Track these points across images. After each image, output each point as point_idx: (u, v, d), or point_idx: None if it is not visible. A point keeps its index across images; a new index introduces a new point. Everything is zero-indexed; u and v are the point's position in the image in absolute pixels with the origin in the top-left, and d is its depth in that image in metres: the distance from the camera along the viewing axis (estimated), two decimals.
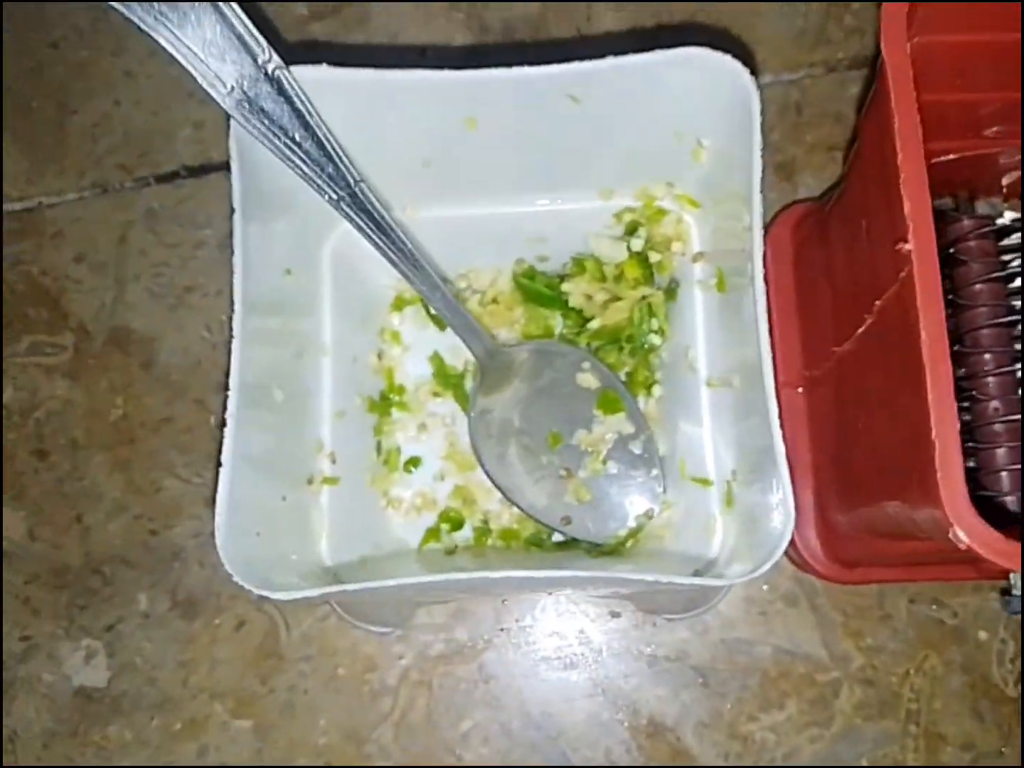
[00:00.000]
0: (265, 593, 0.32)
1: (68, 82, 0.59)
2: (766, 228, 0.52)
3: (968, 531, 0.28)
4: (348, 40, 0.58)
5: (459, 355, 0.52)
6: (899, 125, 0.31)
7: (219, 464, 0.33)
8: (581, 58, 0.37)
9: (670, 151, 0.43)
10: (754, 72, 0.35)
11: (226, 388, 0.34)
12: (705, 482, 0.44)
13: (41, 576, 0.53)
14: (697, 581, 0.34)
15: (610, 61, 0.36)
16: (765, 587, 0.51)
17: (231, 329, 0.34)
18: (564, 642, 0.51)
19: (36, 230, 0.57)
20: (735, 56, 0.35)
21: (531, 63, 0.38)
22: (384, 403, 0.51)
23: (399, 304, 0.52)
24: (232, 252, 0.35)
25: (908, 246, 0.29)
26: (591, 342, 0.50)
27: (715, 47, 0.36)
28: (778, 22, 0.57)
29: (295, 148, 0.36)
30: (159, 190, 0.57)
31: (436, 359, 0.51)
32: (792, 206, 0.52)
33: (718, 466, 0.44)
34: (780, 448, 0.34)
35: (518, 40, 0.58)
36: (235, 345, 0.34)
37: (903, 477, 0.34)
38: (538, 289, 0.51)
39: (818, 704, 0.50)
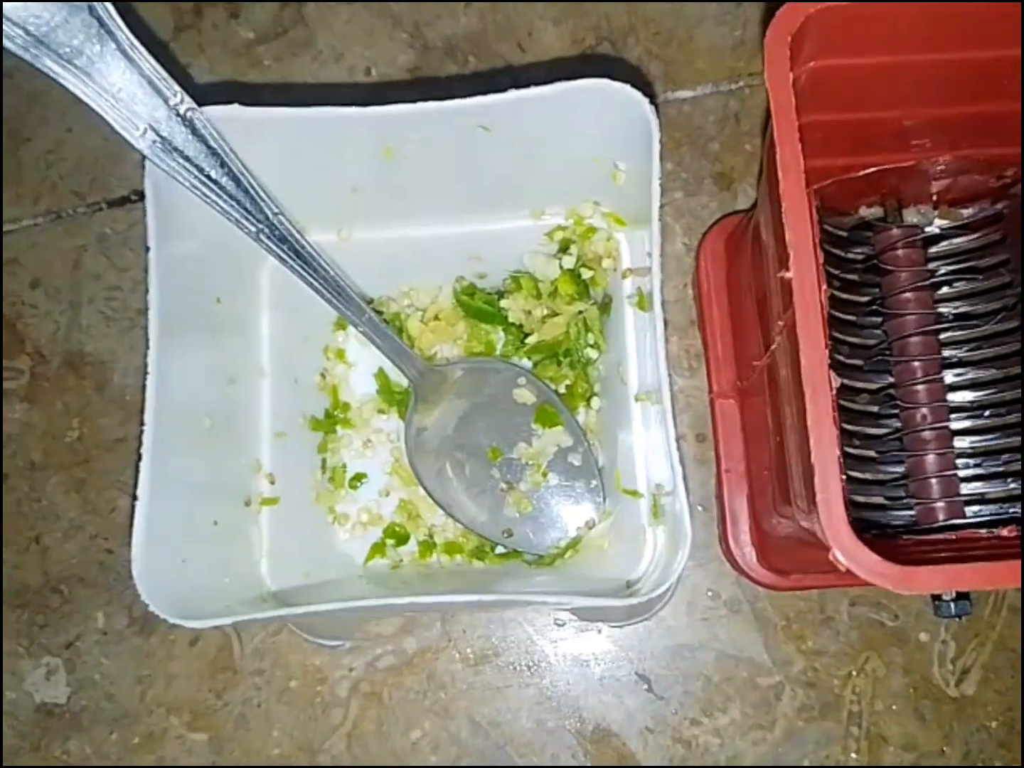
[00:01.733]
0: (178, 621, 0.33)
1: (21, 111, 0.60)
2: (703, 238, 0.53)
3: (846, 555, 0.29)
4: (293, 62, 0.59)
5: None
6: (780, 155, 0.31)
7: (135, 497, 0.34)
8: (495, 90, 0.38)
9: (592, 173, 0.44)
10: (653, 100, 0.36)
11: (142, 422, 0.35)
12: (635, 494, 0.45)
13: (2, 596, 0.54)
14: (588, 602, 0.35)
15: (513, 94, 0.37)
16: (708, 593, 0.52)
17: (146, 365, 0.35)
18: (511, 651, 0.52)
19: None
20: (635, 84, 0.36)
21: (457, 88, 0.39)
22: (329, 421, 0.52)
23: (342, 323, 0.53)
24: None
25: (788, 274, 0.30)
26: (531, 356, 0.51)
27: (617, 77, 0.36)
28: (716, 33, 0.58)
29: (212, 185, 0.37)
30: (111, 214, 0.58)
31: (381, 376, 0.52)
32: (726, 218, 0.53)
33: (648, 478, 0.45)
34: (677, 469, 0.35)
35: (460, 58, 0.58)
36: (150, 380, 0.35)
37: (807, 493, 0.35)
38: (478, 306, 0.51)
39: (761, 707, 0.51)
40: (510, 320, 0.51)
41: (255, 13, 0.61)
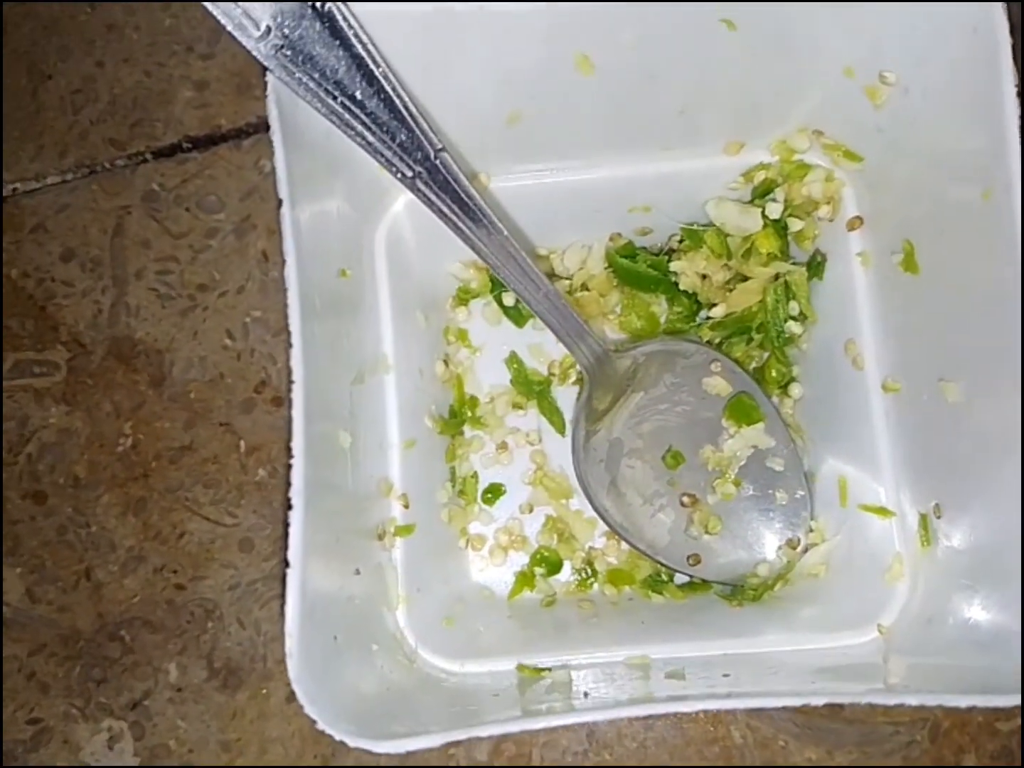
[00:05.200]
0: (367, 746, 0.23)
1: (39, 41, 0.48)
2: None
3: None
4: None
5: (542, 355, 0.42)
6: None
7: (286, 563, 0.24)
8: None
9: (831, 90, 0.33)
10: None
11: (287, 443, 0.24)
12: (882, 512, 0.35)
13: (48, 645, 0.44)
14: (979, 702, 0.24)
15: None
16: None
17: (290, 372, 0.24)
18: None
19: (13, 224, 0.47)
20: None
21: None
22: (455, 420, 0.41)
23: (464, 297, 0.42)
24: (281, 259, 0.25)
25: None
26: (711, 334, 0.40)
27: None
28: None
29: (356, 110, 0.26)
30: (159, 167, 0.47)
31: (514, 362, 0.42)
32: None
33: (901, 493, 0.35)
34: None
35: None
36: (296, 389, 0.24)
37: None
38: (639, 270, 0.41)
39: (1002, 758, 0.41)
40: (681, 288, 0.41)
41: None
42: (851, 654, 0.34)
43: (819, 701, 0.24)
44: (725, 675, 0.31)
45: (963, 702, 0.23)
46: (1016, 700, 0.23)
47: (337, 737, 0.23)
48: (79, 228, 0.47)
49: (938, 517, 0.32)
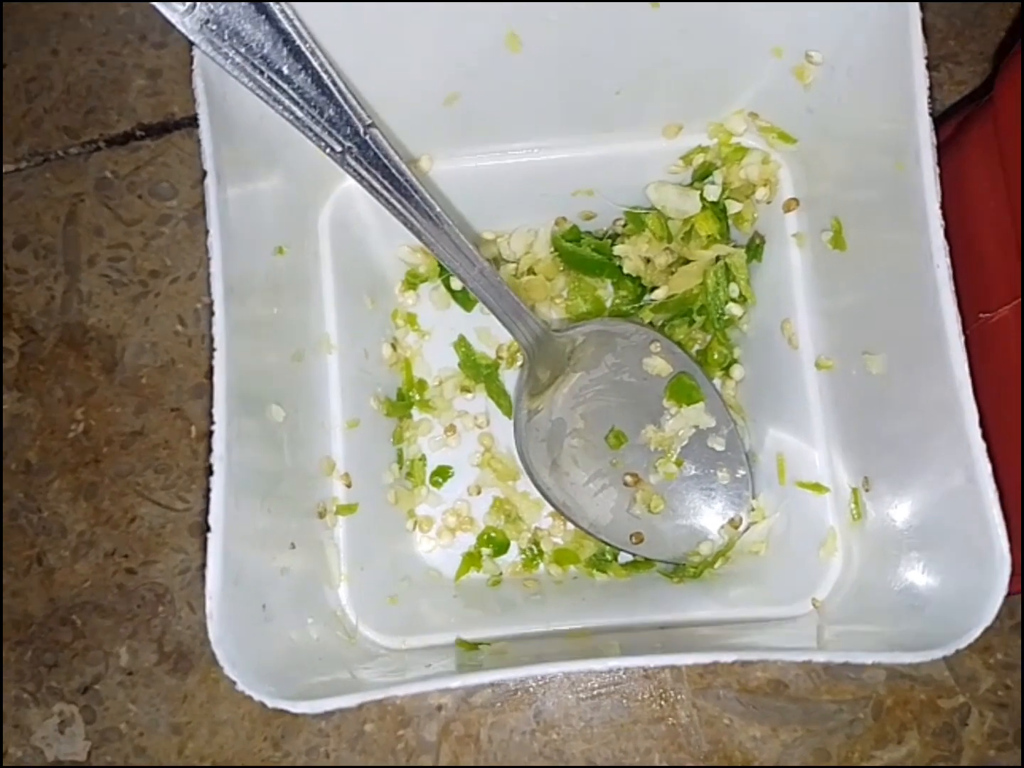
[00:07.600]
0: (284, 706, 0.23)
1: None
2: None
3: None
4: None
5: (490, 339, 0.43)
6: None
7: (207, 528, 0.24)
8: None
9: (761, 70, 0.33)
10: None
11: (209, 410, 0.25)
12: (817, 488, 0.36)
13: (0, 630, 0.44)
14: (900, 659, 0.25)
15: None
16: None
17: (212, 336, 0.25)
18: (635, 679, 0.42)
19: None
20: None
21: None
22: (403, 403, 0.41)
23: (412, 281, 0.43)
24: (206, 229, 0.26)
25: None
26: (653, 316, 0.41)
27: None
28: None
29: (283, 85, 0.27)
30: (112, 155, 0.47)
31: (462, 346, 0.42)
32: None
33: (835, 468, 0.35)
34: (984, 470, 0.25)
35: None
36: (218, 359, 0.25)
37: None
38: (584, 254, 0.41)
39: (944, 735, 0.42)
40: (625, 271, 0.41)
41: None
42: (785, 627, 0.35)
43: (728, 658, 0.25)
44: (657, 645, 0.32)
45: (869, 659, 0.24)
46: (915, 658, 0.24)
47: (256, 698, 0.23)
48: (32, 215, 0.47)
49: (867, 490, 0.33)
